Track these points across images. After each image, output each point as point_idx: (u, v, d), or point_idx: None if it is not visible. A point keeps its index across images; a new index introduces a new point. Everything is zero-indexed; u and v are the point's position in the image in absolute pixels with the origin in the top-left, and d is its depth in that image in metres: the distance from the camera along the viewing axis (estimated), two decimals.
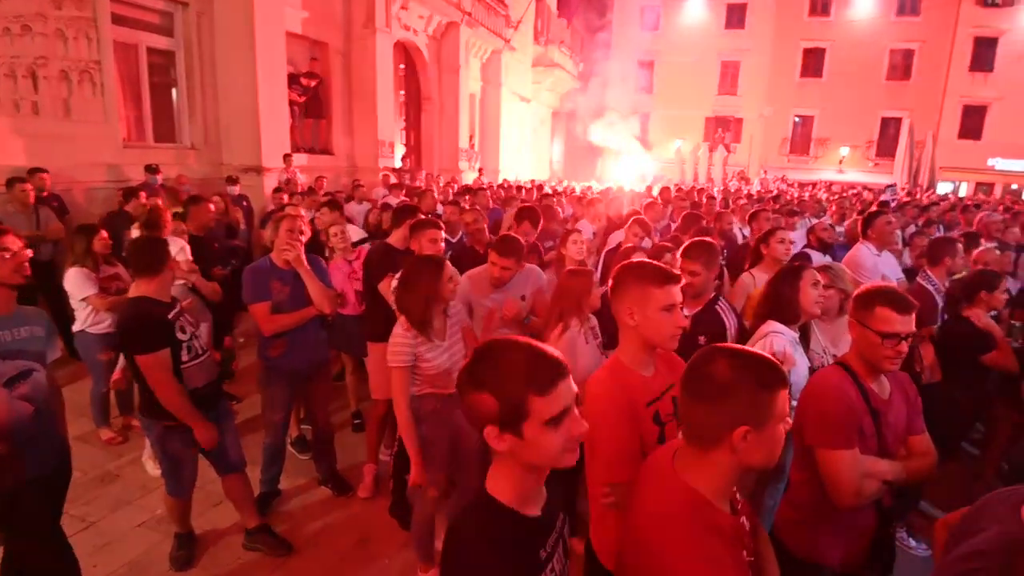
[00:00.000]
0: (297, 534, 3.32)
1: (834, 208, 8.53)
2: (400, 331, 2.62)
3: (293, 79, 11.05)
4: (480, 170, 15.96)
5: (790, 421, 1.21)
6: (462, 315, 2.92)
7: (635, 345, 1.78)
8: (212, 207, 4.84)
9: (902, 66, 26.79)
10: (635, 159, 21.26)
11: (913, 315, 1.85)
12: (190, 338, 2.77)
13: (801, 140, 28.38)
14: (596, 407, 1.72)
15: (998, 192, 22.41)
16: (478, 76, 17.73)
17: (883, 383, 1.97)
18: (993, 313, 3.45)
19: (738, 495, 1.35)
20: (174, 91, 8.94)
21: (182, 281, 3.84)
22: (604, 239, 5.91)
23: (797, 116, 28.25)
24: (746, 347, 1.27)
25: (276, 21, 9.50)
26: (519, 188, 11.49)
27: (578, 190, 12.78)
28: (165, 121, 8.83)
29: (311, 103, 11.77)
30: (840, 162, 26.96)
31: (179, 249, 4.03)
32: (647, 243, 4.69)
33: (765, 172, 21.72)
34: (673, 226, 6.21)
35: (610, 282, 1.85)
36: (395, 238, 3.74)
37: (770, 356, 1.23)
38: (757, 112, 27.93)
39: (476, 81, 17.57)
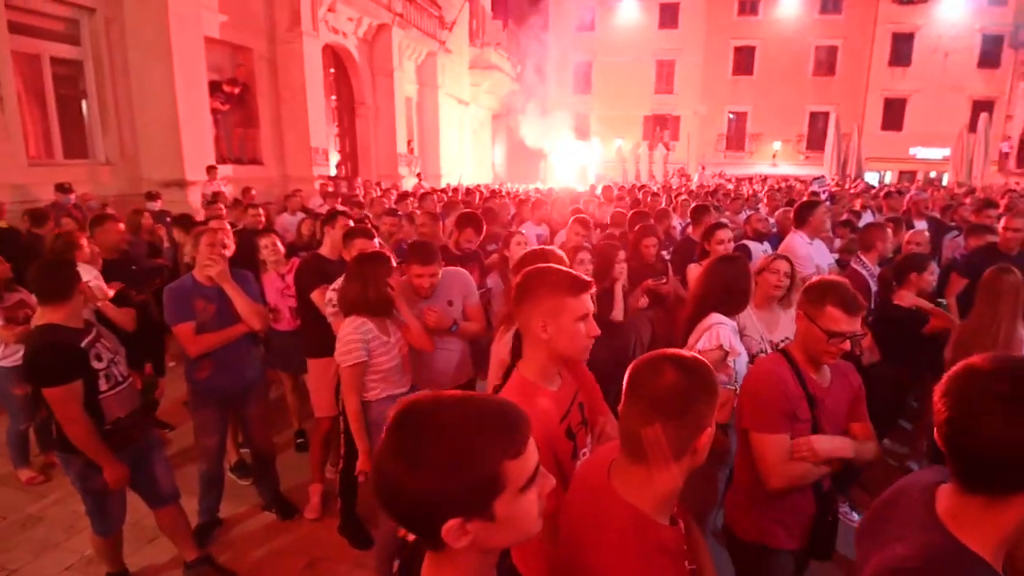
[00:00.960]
0: (241, 562, 3.23)
1: (766, 200, 9.03)
2: (350, 328, 2.65)
3: (215, 87, 10.71)
4: (420, 175, 15.91)
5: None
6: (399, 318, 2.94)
7: (543, 358, 1.63)
8: (121, 226, 4.62)
9: (827, 62, 28.52)
10: (577, 159, 21.72)
11: (861, 316, 1.91)
12: (108, 365, 2.66)
13: (736, 136, 29.75)
14: None
15: (920, 178, 24.22)
16: (413, 79, 17.69)
17: (824, 371, 2.04)
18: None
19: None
20: (84, 103, 8.49)
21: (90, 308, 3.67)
22: (552, 239, 6.04)
23: (731, 113, 29.59)
24: (682, 351, 1.22)
25: (193, 26, 9.19)
26: (468, 191, 11.54)
27: (523, 192, 12.93)
28: (75, 136, 8.38)
29: (237, 111, 11.44)
30: (773, 156, 28.46)
31: (92, 276, 3.84)
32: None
33: (703, 168, 22.65)
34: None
35: (514, 290, 1.68)
36: (326, 248, 3.71)
37: (699, 355, 1.23)
38: (693, 110, 29.09)
39: (412, 84, 17.52)
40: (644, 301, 4.44)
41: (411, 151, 17.02)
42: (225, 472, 3.60)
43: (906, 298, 3.49)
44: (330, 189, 9.51)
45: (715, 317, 2.72)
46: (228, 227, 4.67)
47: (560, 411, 1.63)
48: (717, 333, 2.63)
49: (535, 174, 22.30)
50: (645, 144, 22.93)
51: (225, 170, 10.21)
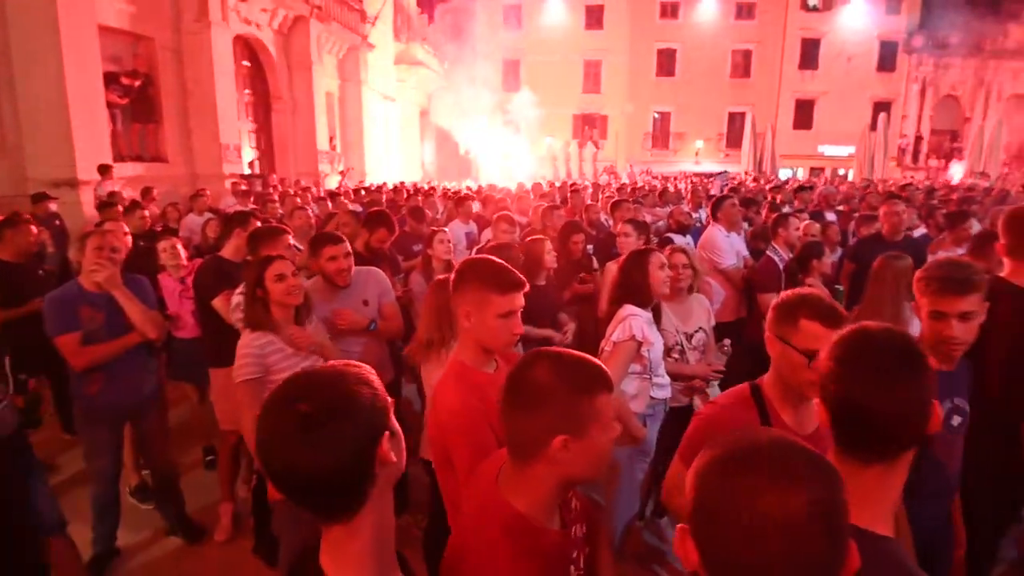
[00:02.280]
0: None
1: (689, 196, 9.46)
2: (246, 339, 2.51)
3: (112, 79, 9.97)
4: (344, 173, 15.48)
5: (617, 427, 1.15)
6: (320, 331, 2.80)
7: (473, 346, 1.76)
8: (35, 229, 4.26)
9: (743, 65, 30.36)
10: (508, 157, 21.87)
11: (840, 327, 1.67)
12: None
13: (661, 135, 31.01)
14: (448, 414, 1.66)
15: (828, 174, 26.14)
16: (335, 74, 17.20)
17: (805, 412, 1.66)
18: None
19: (574, 500, 1.30)
20: None
21: None
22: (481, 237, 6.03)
23: (656, 113, 30.79)
24: (573, 351, 1.20)
25: (86, 13, 8.51)
26: (396, 190, 11.32)
27: (454, 190, 12.85)
28: None
29: (137, 106, 10.70)
30: (696, 154, 29.86)
31: None
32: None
33: (631, 166, 23.40)
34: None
35: (452, 275, 1.81)
36: (229, 250, 3.52)
37: (595, 360, 1.19)
38: (620, 109, 30.04)
39: (333, 79, 17.03)
40: (568, 294, 4.53)
41: (333, 148, 16.53)
42: (123, 496, 3.35)
43: (815, 286, 3.73)
44: (243, 188, 9.04)
45: (628, 309, 2.80)
46: (124, 229, 4.36)
47: (496, 392, 1.64)
48: (630, 324, 2.70)
49: (467, 172, 22.24)
50: (575, 142, 23.40)
51: (124, 169, 9.52)
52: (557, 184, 12.90)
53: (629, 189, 11.45)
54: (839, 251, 5.32)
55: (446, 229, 4.66)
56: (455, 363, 1.78)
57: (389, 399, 0.95)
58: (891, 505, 1.06)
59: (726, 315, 4.78)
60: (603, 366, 1.16)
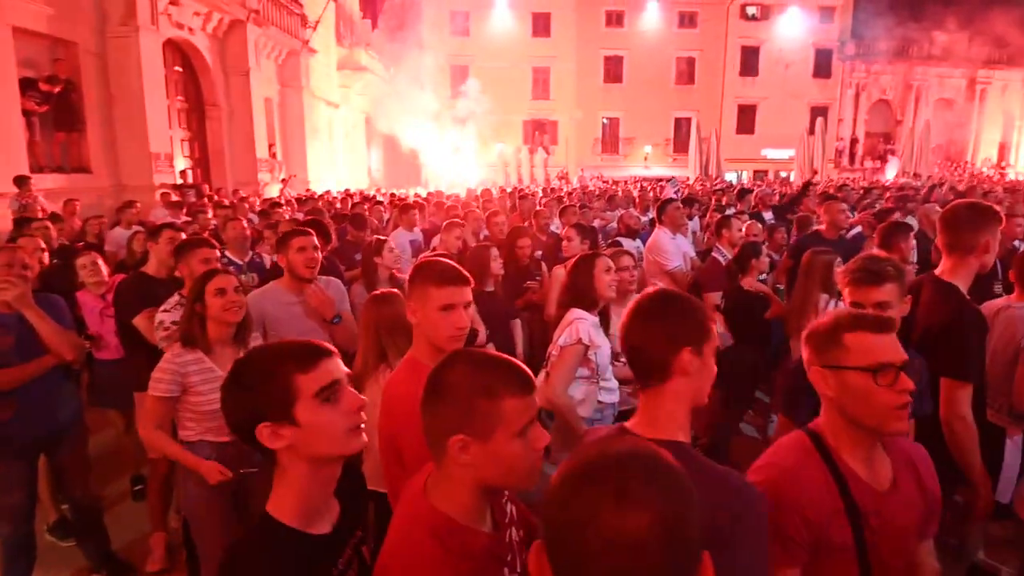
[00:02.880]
0: None
1: (638, 200, 9.68)
2: (170, 355, 2.43)
3: (29, 84, 9.44)
4: (285, 181, 15.09)
5: (540, 436, 1.13)
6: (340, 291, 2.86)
7: (424, 342, 1.85)
8: None
9: (687, 72, 31.48)
10: (458, 163, 21.85)
11: (894, 334, 1.40)
12: None
13: (610, 140, 31.74)
14: (399, 408, 1.69)
15: (771, 176, 27.30)
16: (274, 79, 16.80)
17: (879, 461, 1.42)
18: (762, 276, 4.19)
19: (509, 505, 1.29)
20: None
21: None
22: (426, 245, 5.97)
23: (605, 118, 31.50)
24: (497, 353, 1.21)
25: None
26: (344, 199, 11.10)
27: (401, 197, 12.73)
28: None
29: (58, 114, 10.14)
30: (645, 159, 30.67)
31: None
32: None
33: (582, 171, 23.80)
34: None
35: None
36: (152, 265, 3.36)
37: (518, 364, 1.18)
38: (570, 115, 30.55)
39: (272, 84, 16.63)
40: (519, 302, 4.55)
41: (273, 156, 16.10)
42: (40, 534, 3.12)
43: (753, 284, 3.88)
44: (175, 199, 8.67)
45: (575, 312, 2.83)
46: (40, 245, 4.11)
47: None
48: (577, 328, 2.73)
49: (416, 178, 22.08)
50: (526, 148, 23.62)
51: (44, 180, 8.99)
52: (508, 190, 12.98)
53: (581, 193, 11.62)
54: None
55: (387, 238, 4.60)
56: (409, 359, 1.86)
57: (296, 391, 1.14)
58: (681, 419, 1.31)
59: None
60: (524, 371, 1.15)
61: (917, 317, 2.34)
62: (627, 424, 1.38)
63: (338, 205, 10.32)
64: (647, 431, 1.29)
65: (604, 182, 20.37)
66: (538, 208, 6.76)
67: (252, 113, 14.70)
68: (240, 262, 4.71)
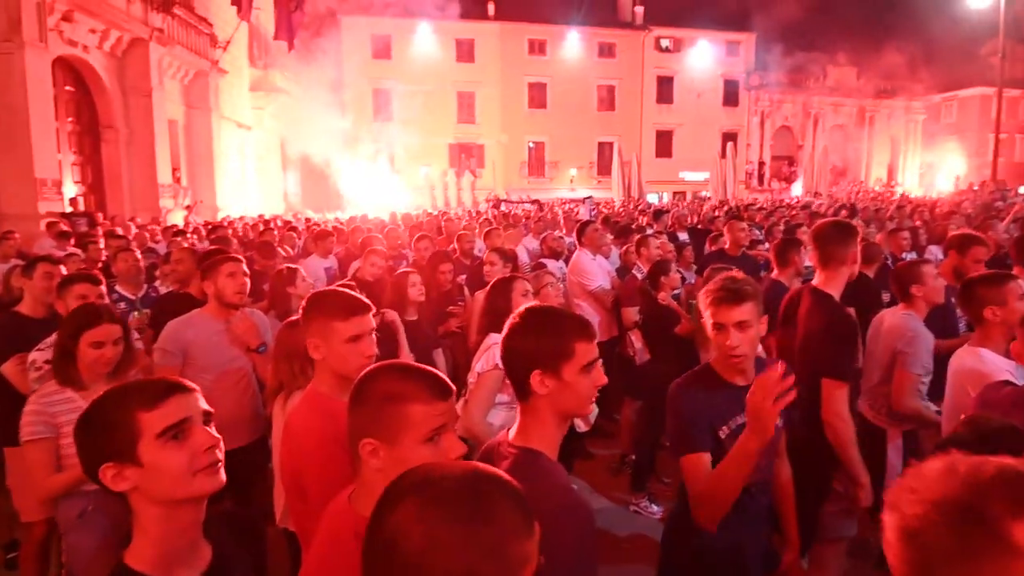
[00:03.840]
0: None
1: (563, 222, 9.87)
2: (35, 396, 2.26)
3: None
4: (190, 208, 14.29)
5: (454, 447, 1.17)
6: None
7: (329, 375, 1.81)
8: None
9: (608, 99, 33.13)
10: (382, 187, 21.55)
11: None
12: None
13: (536, 163, 32.66)
14: (303, 443, 1.67)
15: (689, 197, 28.80)
16: (179, 100, 16.02)
17: None
18: (676, 292, 4.32)
19: None
20: None
21: None
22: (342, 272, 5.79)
23: (531, 142, 32.41)
24: (419, 364, 1.27)
25: None
26: (254, 226, 10.60)
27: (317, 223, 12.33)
28: None
29: None
30: (571, 181, 31.73)
31: None
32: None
33: (508, 194, 24.12)
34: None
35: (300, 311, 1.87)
36: (27, 303, 3.03)
37: (436, 373, 1.22)
38: (496, 139, 31.16)
39: (177, 106, 15.84)
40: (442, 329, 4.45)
41: (178, 181, 15.25)
42: None
43: (665, 299, 3.99)
44: (63, 228, 7.95)
45: (493, 337, 2.79)
46: None
47: None
48: (494, 353, 2.68)
49: (337, 203, 21.55)
50: (452, 171, 23.68)
51: None
52: (433, 214, 12.89)
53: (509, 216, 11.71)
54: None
55: (298, 266, 4.39)
56: (311, 393, 1.82)
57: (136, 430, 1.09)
58: (546, 430, 1.35)
59: (600, 335, 4.97)
60: (439, 380, 1.20)
61: (798, 324, 2.53)
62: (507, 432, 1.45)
63: (245, 232, 9.84)
64: (516, 439, 1.38)
65: (532, 204, 20.66)
66: (462, 232, 6.70)
67: (154, 136, 13.91)
68: (132, 297, 4.35)
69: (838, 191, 21.74)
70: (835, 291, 2.51)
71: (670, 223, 8.36)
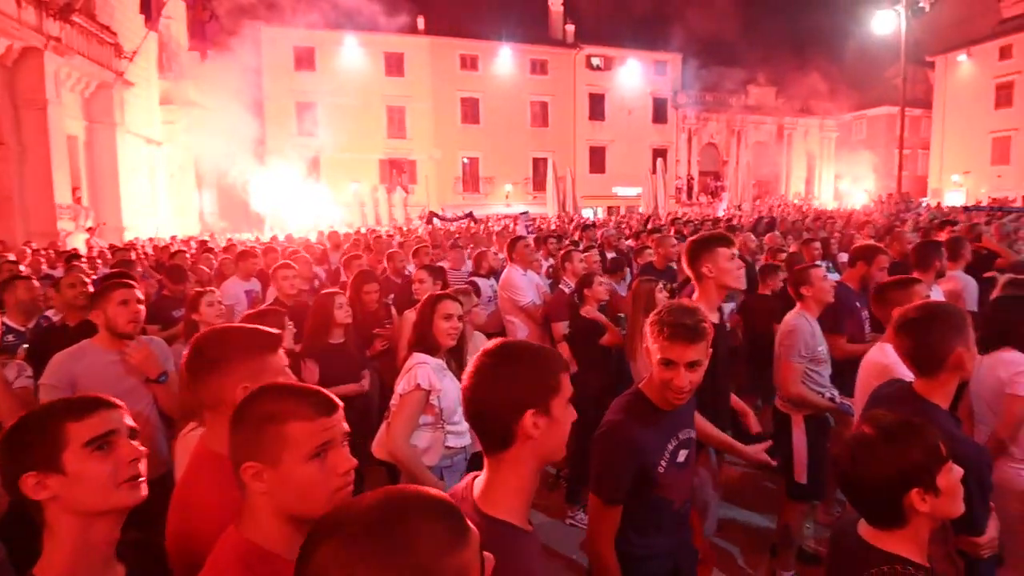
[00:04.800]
0: None
1: (495, 239, 9.95)
2: None
3: None
4: (92, 230, 13.43)
5: (349, 461, 1.16)
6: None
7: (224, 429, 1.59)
8: None
9: (541, 115, 33.89)
10: (308, 205, 20.99)
11: None
12: None
13: (471, 179, 32.83)
14: (197, 523, 1.46)
15: (623, 212, 29.72)
16: (79, 114, 15.11)
17: None
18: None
19: None
20: None
21: None
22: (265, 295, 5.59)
23: (465, 158, 32.58)
24: (300, 383, 1.24)
25: None
26: (165, 247, 10.06)
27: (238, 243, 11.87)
28: None
29: None
30: (507, 196, 32.07)
31: None
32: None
33: (443, 210, 24.08)
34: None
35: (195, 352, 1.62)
36: None
37: (316, 389, 1.20)
38: (428, 154, 31.10)
39: (77, 120, 14.93)
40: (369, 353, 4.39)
41: (78, 201, 14.31)
42: None
43: (590, 312, 4.10)
44: None
45: (416, 357, 2.79)
46: None
47: None
48: (416, 373, 2.69)
49: (259, 222, 20.81)
50: (383, 187, 23.42)
51: None
52: (363, 231, 12.69)
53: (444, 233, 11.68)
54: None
55: (214, 290, 4.21)
56: (205, 455, 1.55)
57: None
58: (529, 487, 1.26)
59: None
60: (320, 396, 1.18)
61: None
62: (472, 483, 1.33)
63: (158, 254, 9.34)
64: (486, 503, 1.24)
65: (466, 217, 20.70)
66: (393, 249, 6.63)
67: (50, 152, 13.02)
68: (22, 328, 4.03)
69: (761, 205, 23.04)
70: (703, 302, 2.60)
71: (599, 240, 8.60)
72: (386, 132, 30.93)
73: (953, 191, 31.31)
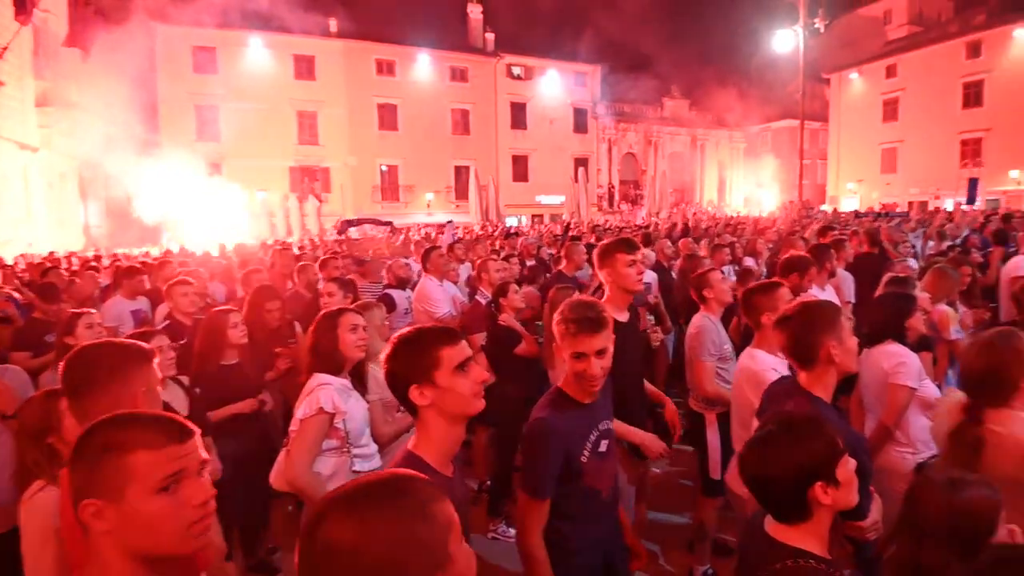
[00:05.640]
0: None
1: (414, 248, 9.77)
2: None
3: None
4: None
5: (204, 492, 1.11)
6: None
7: None
8: None
9: (462, 123, 33.96)
10: (211, 216, 19.79)
11: None
12: None
13: (390, 187, 32.30)
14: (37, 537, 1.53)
15: (547, 220, 30.23)
16: None
17: None
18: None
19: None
20: None
21: None
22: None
23: (384, 165, 32.02)
24: (148, 411, 1.19)
25: None
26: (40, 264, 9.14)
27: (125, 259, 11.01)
28: None
29: None
30: (428, 206, 31.87)
31: None
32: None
33: (359, 219, 23.49)
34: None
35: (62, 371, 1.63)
36: None
37: (164, 415, 1.16)
38: (343, 162, 30.33)
39: None
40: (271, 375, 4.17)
41: None
42: None
43: (507, 320, 4.09)
44: None
45: (318, 378, 2.66)
46: None
47: None
48: (318, 396, 2.56)
49: (154, 236, 19.44)
50: (294, 196, 22.55)
51: None
52: (269, 244, 12.12)
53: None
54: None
55: (86, 311, 3.85)
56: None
57: None
58: (441, 438, 1.53)
59: None
60: (167, 421, 1.13)
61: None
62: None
63: (32, 272, 8.50)
64: (409, 446, 1.56)
65: (384, 224, 20.30)
66: (304, 263, 6.30)
67: None
68: None
69: (678, 212, 24.12)
70: (611, 303, 2.78)
71: (519, 249, 8.67)
72: (296, 138, 29.90)
73: (849, 197, 34.39)
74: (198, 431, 1.15)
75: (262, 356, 4.09)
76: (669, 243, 7.61)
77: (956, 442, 2.05)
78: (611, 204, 35.78)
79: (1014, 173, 27.78)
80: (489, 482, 4.44)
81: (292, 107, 29.53)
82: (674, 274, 6.44)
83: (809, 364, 2.05)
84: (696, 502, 3.63)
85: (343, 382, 2.74)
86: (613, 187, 37.56)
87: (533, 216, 32.40)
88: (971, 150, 29.91)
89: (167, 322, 4.38)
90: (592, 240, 8.73)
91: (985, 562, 1.22)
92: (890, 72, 34.10)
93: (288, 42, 28.81)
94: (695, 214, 18.01)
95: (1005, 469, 1.89)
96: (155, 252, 12.04)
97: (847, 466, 1.41)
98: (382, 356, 1.55)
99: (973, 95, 30.13)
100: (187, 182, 19.92)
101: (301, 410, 2.58)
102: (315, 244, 12.49)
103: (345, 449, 2.71)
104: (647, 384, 3.11)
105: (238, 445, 3.19)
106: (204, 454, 1.14)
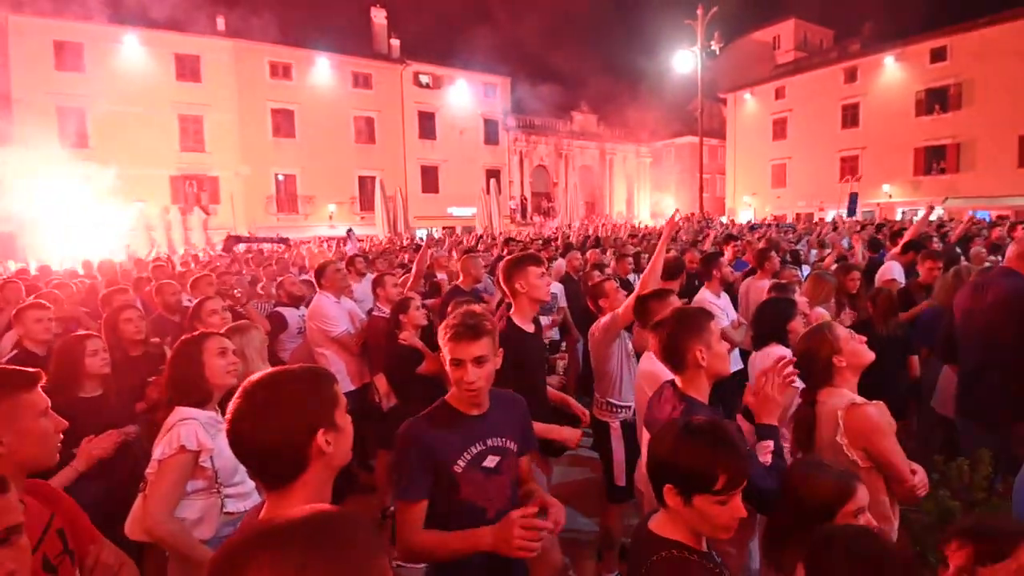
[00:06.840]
0: None
1: (308, 262, 9.34)
2: None
3: None
4: None
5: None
6: None
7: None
8: None
9: (367, 131, 33.17)
10: (76, 230, 18.01)
11: None
12: None
13: (287, 198, 30.94)
14: None
15: (459, 230, 30.10)
16: None
17: None
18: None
19: None
20: None
21: None
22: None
23: (280, 175, 30.66)
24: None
25: None
26: None
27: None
28: None
29: None
30: (330, 217, 30.83)
31: None
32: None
33: (251, 232, 22.31)
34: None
35: None
36: None
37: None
38: (233, 170, 28.73)
39: None
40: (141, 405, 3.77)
41: None
42: None
43: (407, 338, 3.95)
44: None
45: (180, 412, 2.43)
46: None
47: (31, 541, 1.50)
48: (179, 434, 2.32)
49: (8, 251, 17.43)
50: (176, 207, 21.07)
51: None
52: (150, 260, 11.15)
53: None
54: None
55: None
56: None
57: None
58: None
59: (351, 383, 4.80)
60: None
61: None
62: None
63: None
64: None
65: (280, 241, 19.35)
66: (165, 281, 5.59)
67: None
68: None
69: (588, 224, 24.78)
70: (519, 315, 3.12)
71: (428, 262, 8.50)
72: (179, 144, 28.00)
73: (745, 210, 37.08)
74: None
75: (133, 385, 3.69)
76: (579, 255, 7.72)
77: (796, 424, 2.39)
78: (524, 216, 36.30)
79: (886, 187, 31.24)
80: (392, 507, 4.26)
81: (174, 110, 27.64)
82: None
83: (680, 368, 2.22)
84: (602, 509, 3.73)
85: (209, 414, 2.50)
86: (526, 199, 38.17)
87: (444, 228, 32.22)
88: (849, 167, 33.29)
89: (15, 352, 3.96)
90: (504, 253, 8.71)
91: (820, 535, 1.48)
92: (779, 94, 37.30)
93: (169, 40, 27.07)
94: (604, 225, 18.61)
95: (826, 435, 2.22)
96: (13, 267, 10.72)
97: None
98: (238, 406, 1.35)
99: (850, 116, 33.61)
100: (48, 191, 18.10)
101: (159, 449, 2.34)
102: (199, 260, 11.63)
103: (215, 489, 2.45)
104: (550, 390, 3.31)
105: (102, 488, 2.80)
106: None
